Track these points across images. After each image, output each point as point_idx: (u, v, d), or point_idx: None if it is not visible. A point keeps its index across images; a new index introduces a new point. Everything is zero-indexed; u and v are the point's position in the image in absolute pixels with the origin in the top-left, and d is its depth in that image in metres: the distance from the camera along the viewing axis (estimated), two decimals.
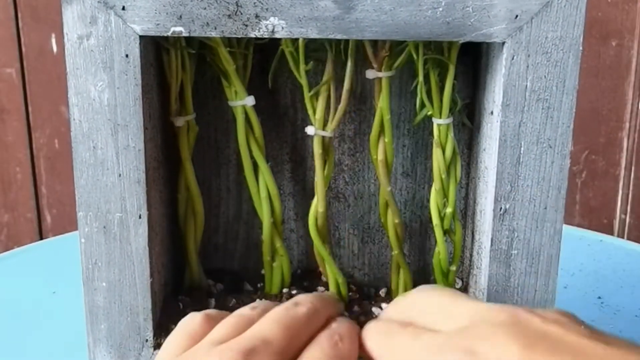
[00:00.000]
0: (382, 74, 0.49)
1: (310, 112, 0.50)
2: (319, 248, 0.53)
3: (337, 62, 0.50)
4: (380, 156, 0.51)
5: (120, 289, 0.47)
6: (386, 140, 0.51)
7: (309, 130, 0.51)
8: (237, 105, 0.50)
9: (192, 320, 0.42)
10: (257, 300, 0.50)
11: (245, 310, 0.42)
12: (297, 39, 0.48)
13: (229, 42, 0.49)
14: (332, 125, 0.51)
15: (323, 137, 0.51)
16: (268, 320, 0.41)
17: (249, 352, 0.38)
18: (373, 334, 0.41)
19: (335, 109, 0.50)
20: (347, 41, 0.48)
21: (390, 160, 0.52)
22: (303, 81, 0.50)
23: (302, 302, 0.42)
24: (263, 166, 0.52)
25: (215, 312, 0.43)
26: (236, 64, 0.49)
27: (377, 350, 0.41)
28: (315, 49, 0.49)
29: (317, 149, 0.51)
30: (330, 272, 0.53)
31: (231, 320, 0.41)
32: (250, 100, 0.50)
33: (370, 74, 0.49)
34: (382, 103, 0.50)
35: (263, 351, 0.38)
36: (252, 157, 0.51)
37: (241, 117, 0.50)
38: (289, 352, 0.39)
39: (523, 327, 0.35)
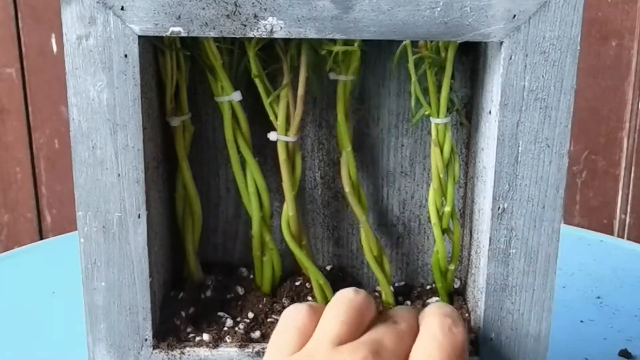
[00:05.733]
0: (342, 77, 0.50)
1: (272, 117, 0.50)
2: (295, 251, 0.52)
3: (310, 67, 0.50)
4: (347, 188, 0.51)
5: (120, 289, 0.47)
6: (347, 149, 0.51)
7: (271, 135, 0.50)
8: (223, 100, 0.50)
9: (297, 313, 0.43)
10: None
11: (349, 312, 0.42)
12: (258, 43, 0.48)
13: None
14: (292, 130, 0.50)
15: (287, 142, 0.50)
16: (380, 330, 0.42)
17: (375, 352, 0.40)
18: None
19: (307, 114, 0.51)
20: (299, 47, 0.48)
21: (357, 188, 0.51)
22: (259, 86, 0.49)
23: (398, 320, 0.44)
24: (250, 161, 0.51)
25: (315, 304, 0.44)
26: (223, 59, 0.49)
27: None
28: (275, 55, 0.49)
29: (281, 155, 0.50)
30: (312, 274, 0.53)
31: (341, 315, 0.42)
32: (237, 96, 0.50)
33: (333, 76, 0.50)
34: (338, 108, 0.50)
35: (384, 353, 0.40)
36: (239, 152, 0.51)
37: (228, 113, 0.50)
38: (402, 355, 0.41)
39: None
